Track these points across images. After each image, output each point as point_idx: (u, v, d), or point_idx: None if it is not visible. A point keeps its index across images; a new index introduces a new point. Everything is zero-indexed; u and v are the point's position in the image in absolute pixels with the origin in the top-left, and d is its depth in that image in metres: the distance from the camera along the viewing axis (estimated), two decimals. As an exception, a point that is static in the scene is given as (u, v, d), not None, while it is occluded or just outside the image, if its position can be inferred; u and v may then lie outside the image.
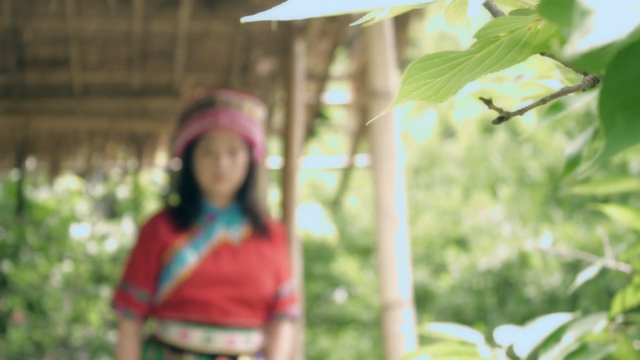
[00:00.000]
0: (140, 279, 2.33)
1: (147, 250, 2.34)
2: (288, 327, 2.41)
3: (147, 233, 2.36)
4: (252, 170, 2.42)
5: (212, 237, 2.35)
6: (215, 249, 2.34)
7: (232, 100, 2.38)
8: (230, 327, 2.29)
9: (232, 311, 2.29)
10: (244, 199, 2.41)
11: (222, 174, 2.32)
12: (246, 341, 2.31)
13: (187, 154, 2.39)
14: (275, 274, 2.40)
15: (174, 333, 2.27)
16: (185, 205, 2.39)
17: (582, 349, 0.87)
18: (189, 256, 2.31)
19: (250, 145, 2.39)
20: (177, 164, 2.47)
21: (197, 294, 2.27)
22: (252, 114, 2.39)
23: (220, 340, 2.27)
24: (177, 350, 2.27)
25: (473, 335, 0.92)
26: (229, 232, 2.38)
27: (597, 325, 0.91)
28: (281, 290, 2.40)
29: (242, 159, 2.36)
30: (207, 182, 2.35)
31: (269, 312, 2.40)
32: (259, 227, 2.40)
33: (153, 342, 2.33)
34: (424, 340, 5.60)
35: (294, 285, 2.47)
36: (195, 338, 2.26)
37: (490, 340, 0.94)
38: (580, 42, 0.34)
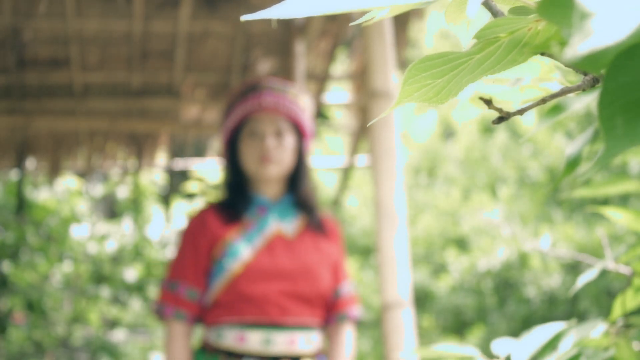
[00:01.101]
0: (190, 276, 2.14)
1: (195, 245, 2.16)
2: (350, 328, 2.26)
3: (196, 227, 2.19)
4: (302, 159, 2.25)
5: (266, 230, 2.19)
6: (269, 242, 2.17)
7: (275, 85, 2.24)
8: (290, 326, 2.11)
9: (291, 309, 2.12)
10: (297, 190, 2.24)
11: (269, 155, 2.16)
12: (307, 341, 2.13)
13: (232, 143, 2.23)
14: (333, 269, 2.23)
15: (230, 337, 2.09)
16: (234, 197, 2.22)
17: (580, 355, 0.87)
18: (242, 249, 2.14)
19: (298, 130, 2.23)
20: (222, 157, 2.32)
21: (253, 290, 2.10)
22: (299, 99, 2.25)
23: (281, 342, 2.09)
24: (234, 355, 2.08)
25: (469, 350, 0.93)
26: (283, 225, 2.21)
27: (594, 332, 0.91)
28: (341, 290, 2.24)
29: (289, 141, 2.20)
30: (253, 166, 2.18)
31: (328, 311, 2.23)
32: (314, 221, 2.24)
33: (206, 351, 2.14)
34: (424, 340, 5.60)
35: (352, 285, 2.31)
36: (254, 341, 2.08)
37: (489, 341, 0.95)
38: (580, 46, 0.34)
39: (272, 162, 2.17)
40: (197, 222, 2.20)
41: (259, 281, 2.11)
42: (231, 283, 2.11)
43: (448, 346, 0.95)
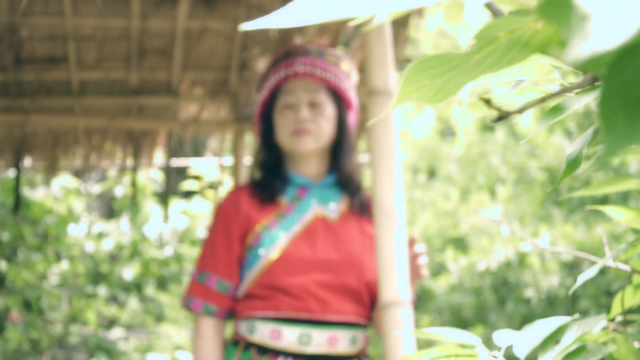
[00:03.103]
0: (221, 266, 1.93)
1: (228, 231, 1.95)
2: None
3: (228, 211, 1.97)
4: (344, 130, 2.01)
5: (305, 214, 1.96)
6: (308, 227, 1.95)
7: (311, 49, 2.02)
8: (332, 323, 1.90)
9: (333, 303, 1.90)
10: (339, 167, 2.01)
11: (303, 127, 1.94)
12: (351, 341, 1.92)
13: (267, 116, 2.02)
14: None
15: (264, 332, 1.88)
16: (269, 177, 2.00)
17: (581, 349, 0.87)
18: (279, 236, 1.92)
19: (340, 98, 2.00)
20: (256, 133, 2.10)
21: (290, 281, 1.88)
22: (340, 64, 2.01)
23: (320, 340, 1.88)
24: (269, 352, 1.89)
25: (470, 337, 0.92)
26: (325, 209, 1.99)
27: (596, 327, 0.90)
28: None
29: (328, 111, 1.97)
30: (286, 140, 1.96)
31: (374, 304, 2.01)
32: (358, 201, 2.01)
33: (239, 344, 1.93)
34: (423, 339, 5.60)
35: None
36: (291, 338, 1.87)
37: (489, 340, 0.95)
38: (580, 49, 0.33)
39: (308, 135, 1.95)
40: (229, 205, 1.98)
41: (297, 271, 1.89)
42: (266, 273, 1.90)
43: (448, 330, 0.93)
